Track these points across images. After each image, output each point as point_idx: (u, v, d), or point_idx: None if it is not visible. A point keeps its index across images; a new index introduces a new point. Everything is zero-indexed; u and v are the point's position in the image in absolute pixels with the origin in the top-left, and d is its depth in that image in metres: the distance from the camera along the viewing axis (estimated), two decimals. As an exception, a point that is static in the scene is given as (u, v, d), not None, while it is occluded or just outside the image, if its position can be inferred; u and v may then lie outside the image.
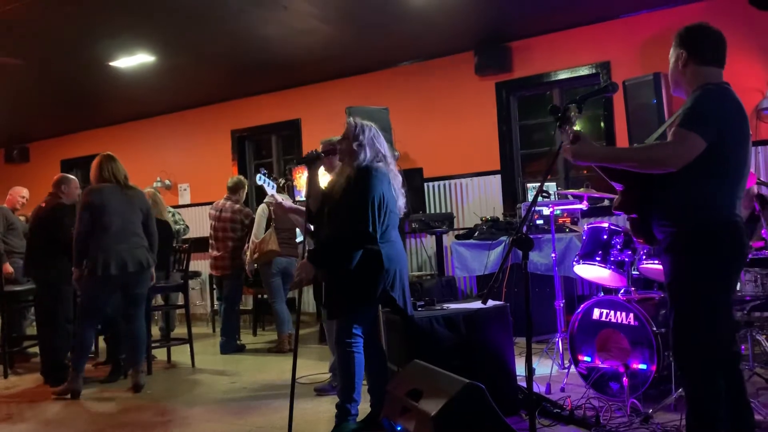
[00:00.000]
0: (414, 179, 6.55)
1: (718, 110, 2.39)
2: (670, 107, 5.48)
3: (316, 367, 5.05)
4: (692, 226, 2.40)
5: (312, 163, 3.46)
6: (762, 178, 5.03)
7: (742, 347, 3.92)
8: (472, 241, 5.97)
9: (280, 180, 6.59)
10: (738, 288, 3.69)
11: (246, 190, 6.51)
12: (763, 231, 3.53)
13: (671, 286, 2.47)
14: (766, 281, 3.57)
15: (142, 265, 4.79)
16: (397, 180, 3.37)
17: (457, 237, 6.28)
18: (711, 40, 2.55)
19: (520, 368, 3.73)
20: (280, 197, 5.16)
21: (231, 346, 6.16)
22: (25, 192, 6.97)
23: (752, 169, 3.49)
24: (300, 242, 6.16)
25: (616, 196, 2.66)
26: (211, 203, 6.53)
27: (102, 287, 4.70)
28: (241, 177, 6.58)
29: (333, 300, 3.41)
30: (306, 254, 3.41)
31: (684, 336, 2.43)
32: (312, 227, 3.58)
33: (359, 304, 3.28)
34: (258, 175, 5.20)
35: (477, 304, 3.72)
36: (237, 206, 6.24)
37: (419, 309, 3.72)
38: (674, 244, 2.44)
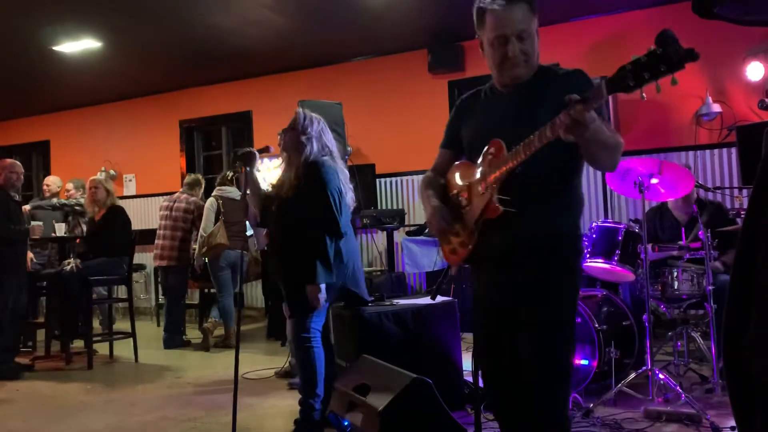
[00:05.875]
0: (366, 175, 6.55)
1: None
2: (616, 110, 5.63)
3: (263, 362, 5.01)
4: (575, 227, 2.17)
5: (248, 160, 3.34)
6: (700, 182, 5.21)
7: (678, 344, 4.09)
8: (422, 237, 6.01)
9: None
10: (675, 287, 3.83)
11: (202, 189, 6.47)
12: (699, 233, 3.66)
13: (561, 289, 2.22)
14: (701, 280, 3.71)
15: None
16: (344, 174, 3.34)
17: (408, 233, 6.32)
18: None
19: (466, 363, 3.78)
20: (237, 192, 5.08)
21: (175, 340, 6.04)
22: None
23: (691, 173, 3.63)
24: (250, 236, 6.09)
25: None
26: (157, 195, 6.39)
27: None
28: (200, 176, 6.59)
29: (294, 299, 3.26)
30: (310, 281, 3.16)
31: (566, 344, 2.29)
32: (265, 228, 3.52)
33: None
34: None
35: (426, 300, 3.75)
36: (193, 198, 6.23)
37: (369, 304, 3.73)
38: (561, 247, 2.14)
